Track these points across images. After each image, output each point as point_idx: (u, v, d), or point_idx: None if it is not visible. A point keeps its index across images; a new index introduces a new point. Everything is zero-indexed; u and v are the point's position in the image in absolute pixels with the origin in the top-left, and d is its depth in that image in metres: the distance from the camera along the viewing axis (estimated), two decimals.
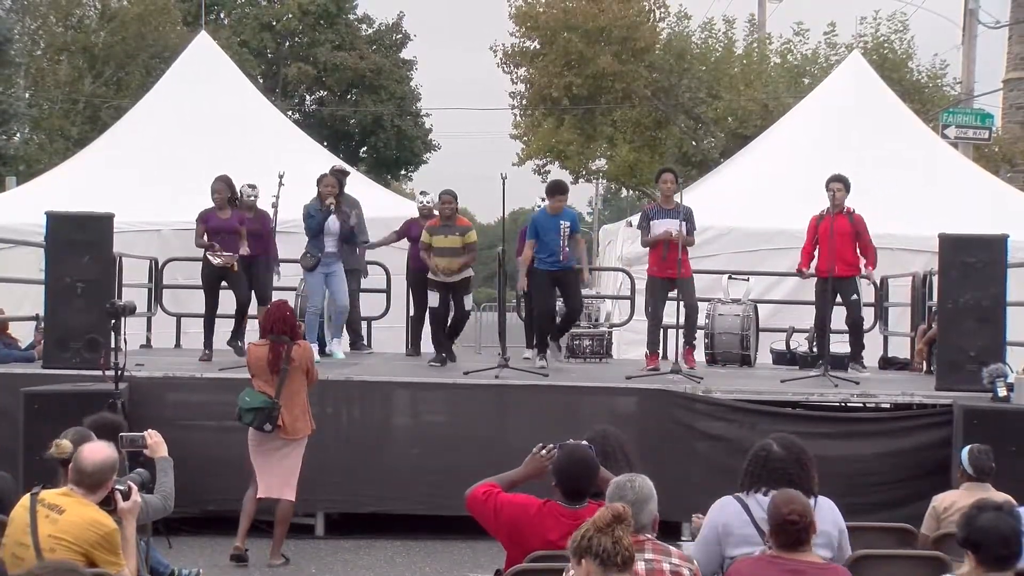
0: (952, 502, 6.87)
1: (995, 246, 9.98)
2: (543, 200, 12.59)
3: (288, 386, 8.61)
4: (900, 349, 13.67)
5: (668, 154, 30.47)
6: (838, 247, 10.88)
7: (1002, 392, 9.18)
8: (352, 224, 11.63)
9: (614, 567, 3.90)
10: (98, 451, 5.46)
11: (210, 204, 11.24)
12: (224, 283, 11.29)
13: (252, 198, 11.62)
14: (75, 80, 31.45)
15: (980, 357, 9.63)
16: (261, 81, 34.61)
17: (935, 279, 11.30)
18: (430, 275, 11.36)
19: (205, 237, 11.11)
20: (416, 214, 12.98)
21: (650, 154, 30.94)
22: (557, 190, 11.31)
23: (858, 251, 11.32)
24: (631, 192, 40.58)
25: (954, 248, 9.97)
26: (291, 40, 40.95)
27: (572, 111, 31.20)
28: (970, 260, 9.83)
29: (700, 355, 12.52)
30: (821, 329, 11.40)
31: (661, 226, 10.92)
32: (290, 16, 39.61)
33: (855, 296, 11.34)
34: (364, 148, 42.09)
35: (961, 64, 27.82)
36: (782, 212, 15.19)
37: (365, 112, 40.48)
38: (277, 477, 8.68)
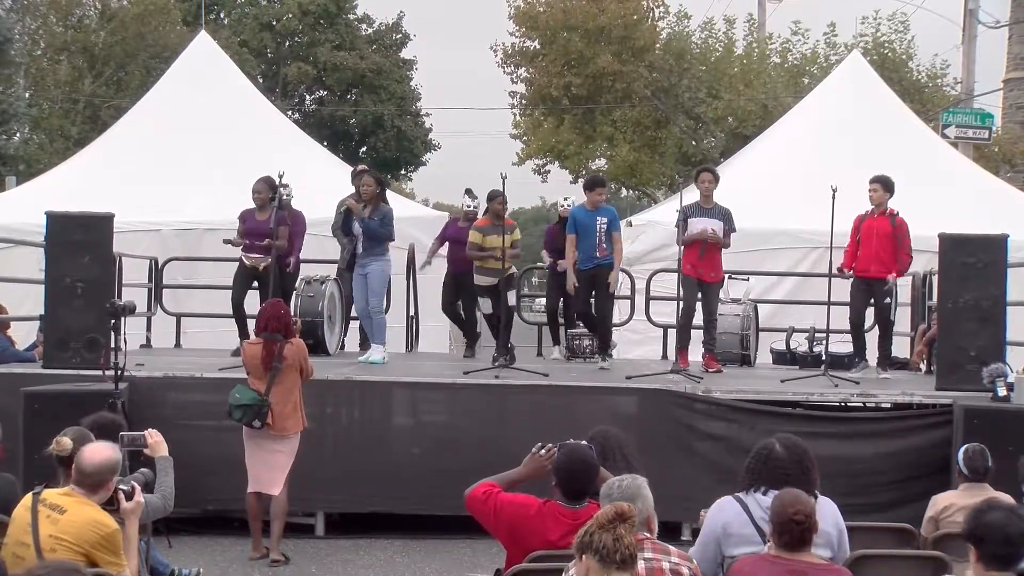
0: (951, 502, 6.87)
1: (995, 246, 9.98)
2: (565, 199, 12.59)
3: (280, 384, 8.64)
4: (900, 349, 13.66)
5: (668, 154, 30.50)
6: (875, 248, 10.85)
7: (1002, 392, 9.18)
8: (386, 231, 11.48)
9: (613, 565, 3.90)
10: (99, 451, 5.46)
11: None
12: (255, 283, 11.34)
13: (288, 197, 11.44)
14: (75, 80, 31.45)
15: (980, 357, 9.64)
16: (261, 81, 34.61)
17: (935, 279, 11.29)
18: (477, 280, 11.37)
19: (239, 236, 11.27)
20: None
21: (650, 154, 30.97)
22: (597, 183, 11.27)
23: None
24: (631, 192, 40.57)
25: (954, 248, 9.97)
26: (291, 40, 40.96)
27: (572, 111, 31.22)
28: (970, 260, 9.83)
29: (699, 355, 12.52)
30: (855, 328, 11.33)
31: (698, 224, 10.90)
32: (290, 16, 39.62)
33: (888, 299, 11.25)
34: (364, 148, 42.08)
35: (961, 64, 27.83)
36: (782, 212, 15.20)
37: (365, 112, 40.48)
38: (265, 473, 8.73)
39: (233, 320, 11.65)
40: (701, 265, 10.92)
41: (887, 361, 11.49)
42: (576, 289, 11.18)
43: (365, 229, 11.22)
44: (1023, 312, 10.95)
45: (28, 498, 5.33)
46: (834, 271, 11.09)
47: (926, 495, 7.39)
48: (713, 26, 32.29)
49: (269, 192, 11.19)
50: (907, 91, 26.71)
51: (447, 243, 12.29)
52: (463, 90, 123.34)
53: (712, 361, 11.12)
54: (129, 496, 5.51)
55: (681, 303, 10.99)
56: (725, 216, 10.98)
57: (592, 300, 11.25)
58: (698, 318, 11.19)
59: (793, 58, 30.86)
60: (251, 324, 11.07)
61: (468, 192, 12.37)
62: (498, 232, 11.29)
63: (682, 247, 10.98)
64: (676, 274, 11.10)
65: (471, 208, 12.21)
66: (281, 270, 11.20)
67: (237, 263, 11.45)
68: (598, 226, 10.92)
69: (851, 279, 11.25)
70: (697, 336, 11.33)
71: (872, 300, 11.24)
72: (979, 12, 26.83)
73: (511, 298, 11.60)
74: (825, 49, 30.60)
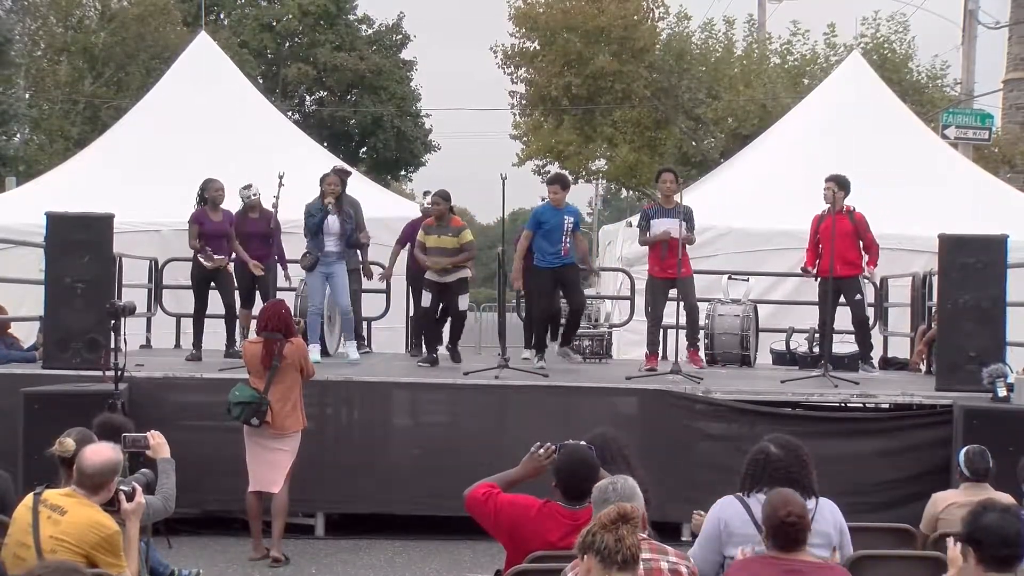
0: (951, 502, 6.87)
1: (995, 246, 9.98)
2: (543, 199, 12.60)
3: (279, 382, 8.67)
4: (900, 349, 13.67)
5: (668, 154, 30.47)
6: (838, 247, 10.87)
7: (1002, 392, 9.18)
8: (352, 227, 11.58)
9: (614, 565, 3.91)
10: (100, 452, 5.47)
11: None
12: (212, 284, 11.52)
13: (253, 197, 11.61)
14: (75, 81, 31.45)
15: (980, 357, 9.64)
16: (261, 82, 34.59)
17: (935, 279, 11.29)
18: (426, 275, 11.35)
19: (198, 240, 11.35)
20: (415, 215, 12.95)
21: (650, 154, 30.94)
22: (554, 180, 11.38)
23: (861, 249, 11.31)
24: (631, 192, 40.56)
25: (954, 248, 9.97)
26: (291, 41, 40.95)
27: (572, 111, 31.21)
28: (970, 260, 9.83)
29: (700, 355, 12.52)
30: (823, 329, 11.40)
31: (661, 225, 10.94)
32: (290, 17, 39.61)
33: (859, 296, 11.33)
34: (364, 149, 42.08)
35: (961, 64, 27.82)
36: (782, 212, 15.19)
37: (365, 113, 40.48)
38: (267, 471, 8.75)
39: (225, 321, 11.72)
40: (668, 264, 10.92)
41: (870, 356, 11.51)
42: (541, 289, 11.17)
43: (343, 231, 11.35)
44: (1023, 313, 10.95)
45: (29, 498, 5.34)
46: (799, 271, 11.22)
47: (926, 495, 7.38)
48: (713, 27, 32.30)
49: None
50: (907, 92, 26.70)
51: (408, 244, 12.50)
52: (463, 91, 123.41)
53: (695, 356, 11.11)
54: (130, 497, 5.51)
55: (648, 308, 11.17)
56: (687, 215, 10.98)
57: (555, 300, 11.31)
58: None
59: (793, 59, 30.85)
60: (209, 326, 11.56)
61: (426, 192, 12.49)
62: (440, 233, 11.26)
63: (648, 248, 11.08)
64: (675, 276, 11.13)
65: (425, 206, 12.34)
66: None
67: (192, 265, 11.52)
68: (564, 224, 10.95)
69: (815, 278, 11.38)
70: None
71: (843, 300, 11.27)
72: (979, 13, 26.83)
73: (463, 302, 11.53)
74: (825, 50, 30.61)
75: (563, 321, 11.61)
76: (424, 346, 11.54)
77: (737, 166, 18.86)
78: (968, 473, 6.95)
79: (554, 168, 34.27)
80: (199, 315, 11.59)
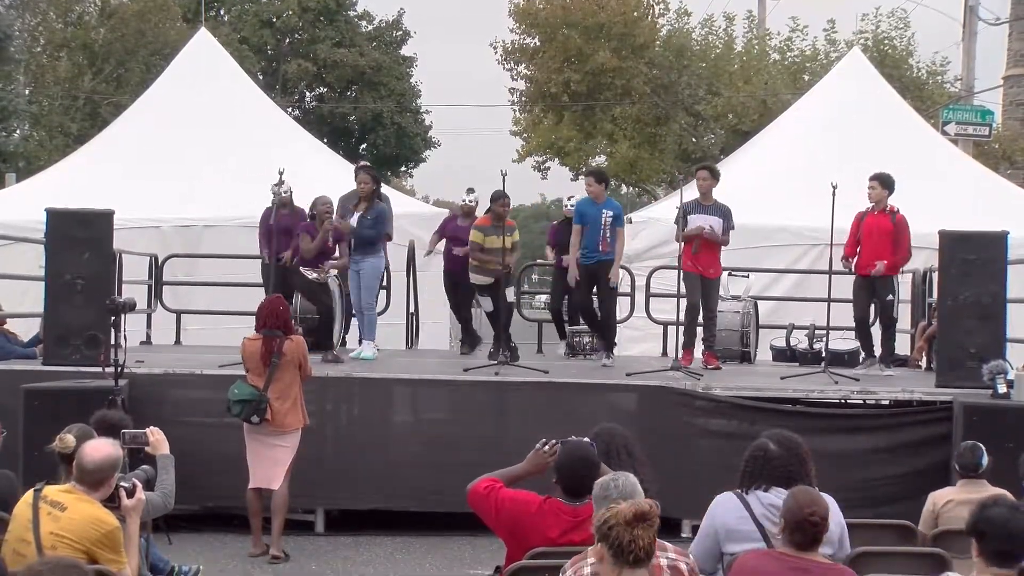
0: (949, 499, 6.87)
1: (995, 243, 9.98)
2: (569, 198, 12.61)
3: (278, 379, 8.65)
4: (900, 346, 13.65)
5: (668, 151, 30.48)
6: (876, 246, 10.86)
7: (1002, 389, 9.18)
8: (381, 228, 11.49)
9: (625, 563, 3.93)
10: (99, 449, 5.46)
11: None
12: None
13: (284, 195, 11.33)
14: (75, 77, 31.44)
15: (980, 354, 9.64)
16: (261, 78, 34.59)
17: (935, 276, 11.30)
18: (474, 279, 11.41)
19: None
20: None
21: (650, 151, 30.95)
22: (589, 172, 11.35)
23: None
24: (631, 189, 40.57)
25: (954, 245, 9.97)
26: (291, 37, 40.94)
27: (572, 108, 31.21)
28: (970, 257, 9.84)
29: (699, 352, 12.51)
30: (860, 326, 11.39)
31: (696, 221, 10.91)
32: (290, 13, 39.59)
33: (890, 296, 11.26)
34: (364, 145, 42.06)
35: (961, 61, 27.81)
36: (782, 209, 15.19)
37: (365, 109, 40.47)
38: (267, 468, 8.75)
39: (239, 316, 11.70)
40: (699, 261, 10.94)
41: (890, 358, 11.51)
42: (577, 283, 11.17)
43: (356, 235, 11.27)
44: (1023, 309, 10.95)
45: (29, 495, 5.34)
46: (836, 266, 11.10)
47: (926, 492, 7.38)
48: (713, 23, 32.31)
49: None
50: (907, 88, 26.71)
51: (444, 239, 12.29)
52: (463, 87, 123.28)
53: (711, 358, 11.13)
54: (130, 493, 5.51)
55: (685, 300, 11.01)
56: (724, 214, 11.00)
57: (594, 296, 11.25)
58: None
59: (792, 55, 30.84)
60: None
61: (469, 189, 12.38)
62: (499, 233, 11.28)
63: (682, 244, 10.99)
64: (676, 271, 11.12)
65: (470, 203, 12.19)
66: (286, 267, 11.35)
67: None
68: (603, 219, 10.90)
69: (852, 272, 11.27)
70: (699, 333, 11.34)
71: (875, 297, 11.26)
72: (979, 9, 26.82)
73: (509, 295, 11.62)
74: (825, 46, 30.60)
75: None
76: (500, 345, 11.18)
77: (737, 162, 18.83)
78: (958, 469, 6.96)
79: (554, 164, 34.29)
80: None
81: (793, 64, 30.51)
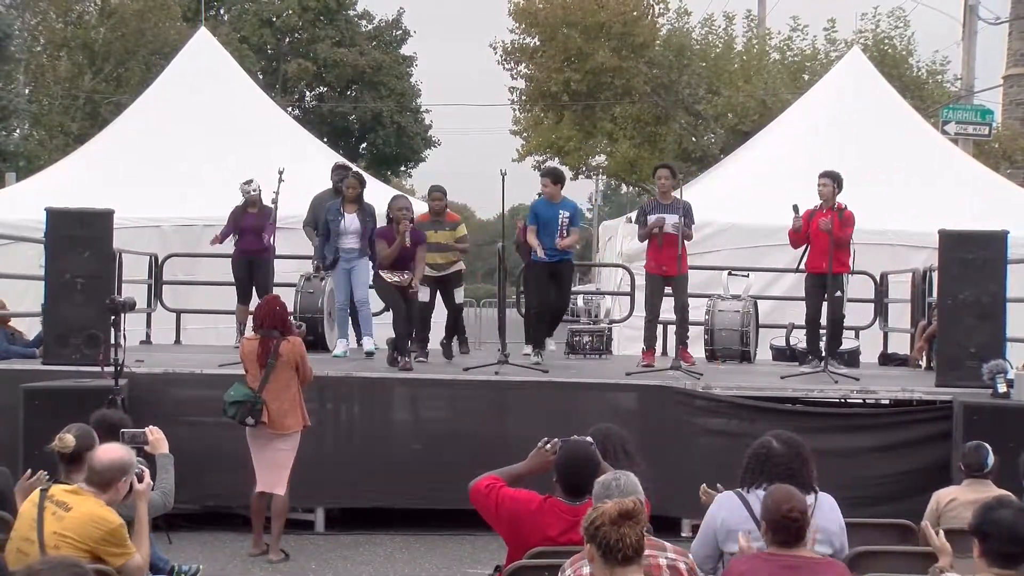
0: (953, 498, 6.87)
1: (995, 242, 9.98)
2: (539, 194, 12.59)
3: (275, 381, 8.60)
4: (900, 345, 13.67)
5: (668, 150, 30.48)
6: (826, 244, 10.85)
7: (1002, 388, 9.18)
8: (372, 224, 11.56)
9: (615, 562, 3.92)
10: (111, 451, 5.52)
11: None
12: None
13: (252, 193, 11.87)
14: (75, 76, 31.44)
15: (980, 353, 9.64)
16: (261, 77, 34.59)
17: (935, 275, 11.30)
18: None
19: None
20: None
21: (650, 150, 30.94)
22: (545, 173, 11.41)
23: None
24: (631, 188, 40.59)
25: (954, 244, 9.96)
26: (291, 36, 40.95)
27: (572, 107, 31.21)
28: (970, 256, 9.83)
29: (700, 351, 12.51)
30: (811, 324, 11.40)
31: (653, 219, 10.91)
32: (290, 12, 39.59)
33: (839, 293, 11.25)
34: (364, 144, 42.09)
35: (961, 60, 27.80)
36: (782, 208, 15.08)
37: (365, 108, 40.47)
38: (269, 472, 8.73)
39: (234, 315, 11.73)
40: (663, 259, 10.89)
41: (839, 356, 11.45)
42: (536, 284, 11.21)
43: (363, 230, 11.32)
44: (1023, 308, 10.95)
45: (36, 494, 5.36)
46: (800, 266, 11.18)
47: (925, 491, 7.38)
48: (713, 22, 32.33)
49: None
50: (907, 87, 26.70)
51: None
52: (463, 87, 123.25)
53: (686, 354, 11.07)
54: (139, 478, 5.56)
55: (645, 304, 11.14)
56: (685, 210, 10.92)
57: (548, 295, 11.25)
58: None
59: (792, 55, 30.84)
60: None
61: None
62: (436, 228, 11.30)
63: (646, 243, 11.04)
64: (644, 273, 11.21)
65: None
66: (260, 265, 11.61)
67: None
68: (560, 220, 10.93)
69: (798, 271, 11.43)
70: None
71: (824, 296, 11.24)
72: (979, 8, 26.81)
73: (458, 295, 11.63)
74: (825, 45, 30.61)
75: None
76: (417, 341, 11.35)
77: (737, 162, 18.85)
78: (963, 468, 6.96)
79: (554, 164, 34.27)
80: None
81: (793, 63, 30.51)
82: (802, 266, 11.37)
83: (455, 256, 11.60)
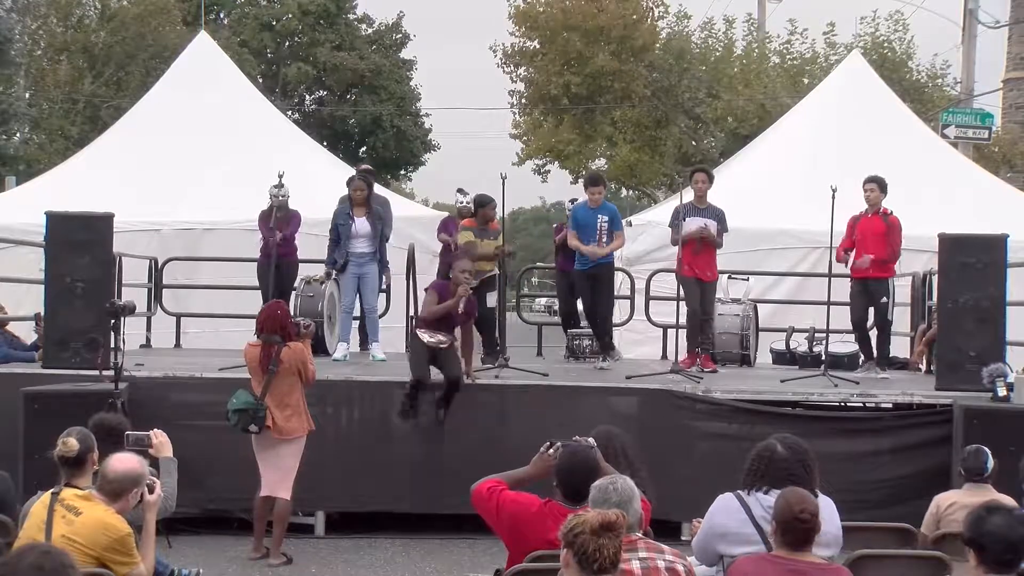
0: (953, 502, 6.87)
1: (995, 246, 9.98)
2: (571, 201, 12.61)
3: (277, 386, 8.59)
4: (900, 349, 13.66)
5: (668, 154, 30.50)
6: (871, 248, 10.87)
7: (1002, 392, 9.18)
8: (382, 226, 11.65)
9: (590, 571, 3.92)
10: (124, 462, 5.54)
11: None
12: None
13: (282, 198, 11.42)
14: (75, 80, 31.43)
15: (980, 357, 9.64)
16: (261, 81, 34.57)
17: (935, 279, 11.30)
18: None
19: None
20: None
21: (650, 154, 30.97)
22: (591, 181, 11.32)
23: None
24: (631, 192, 40.58)
25: (954, 248, 9.97)
26: (291, 40, 40.92)
27: (571, 111, 31.23)
28: (970, 260, 9.84)
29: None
30: (858, 329, 11.39)
31: (693, 223, 10.90)
32: (290, 16, 39.58)
33: (884, 299, 11.23)
34: (363, 148, 42.03)
35: (961, 64, 27.82)
36: (782, 212, 15.20)
37: (364, 112, 40.46)
38: (273, 476, 8.72)
39: (239, 319, 11.71)
40: (697, 264, 10.92)
41: (886, 361, 11.50)
42: (579, 289, 11.22)
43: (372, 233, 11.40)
44: (1023, 312, 10.95)
45: (47, 497, 5.39)
46: (836, 268, 11.11)
47: (925, 495, 7.39)
48: (713, 26, 32.37)
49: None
50: (907, 91, 26.70)
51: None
52: (463, 90, 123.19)
53: (708, 361, 11.09)
54: (150, 489, 5.58)
55: (686, 306, 11.01)
56: (719, 216, 10.98)
57: (589, 301, 11.25)
58: None
59: (792, 58, 30.87)
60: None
61: (461, 190, 12.37)
62: (483, 237, 11.28)
63: (680, 247, 11.00)
64: (675, 275, 11.12)
65: (463, 205, 12.08)
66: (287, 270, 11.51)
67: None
68: (599, 224, 10.90)
69: (849, 279, 11.27)
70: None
71: (871, 301, 11.26)
72: (979, 12, 26.82)
73: (491, 300, 11.56)
74: (824, 49, 30.63)
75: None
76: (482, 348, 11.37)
77: (736, 165, 18.84)
78: (963, 473, 6.96)
79: (554, 167, 34.30)
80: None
81: (793, 67, 30.53)
82: (848, 268, 11.28)
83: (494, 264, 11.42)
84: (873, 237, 10.98)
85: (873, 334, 11.62)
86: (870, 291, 11.16)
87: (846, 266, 11.27)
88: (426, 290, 10.08)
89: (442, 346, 9.52)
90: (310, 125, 36.23)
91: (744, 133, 26.71)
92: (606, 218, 10.95)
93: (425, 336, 9.54)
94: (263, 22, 39.54)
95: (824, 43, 30.70)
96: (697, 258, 10.92)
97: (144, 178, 15.74)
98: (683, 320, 11.11)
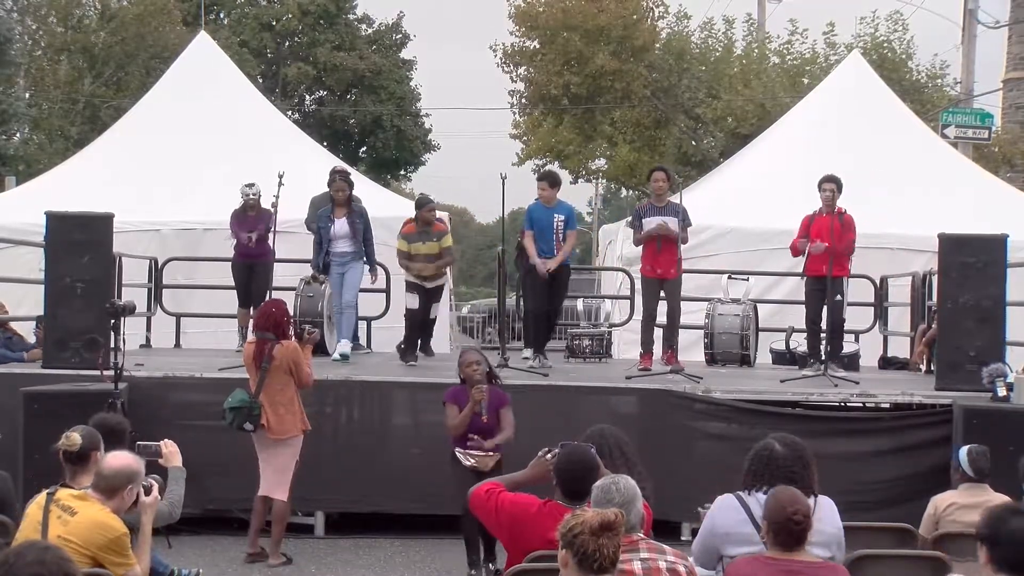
0: (951, 502, 6.88)
1: (995, 246, 9.99)
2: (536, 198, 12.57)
3: (270, 385, 8.59)
4: (900, 349, 13.67)
5: (668, 154, 30.49)
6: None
7: (1002, 392, 9.19)
8: (362, 224, 11.75)
9: (590, 571, 3.92)
10: (120, 458, 5.53)
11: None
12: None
13: (252, 197, 11.89)
14: (75, 80, 31.43)
15: (980, 357, 9.64)
16: (261, 81, 34.58)
17: (935, 279, 11.30)
18: (411, 277, 11.42)
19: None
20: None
21: (650, 154, 30.95)
22: (541, 177, 11.42)
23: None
24: (631, 192, 40.57)
25: (954, 248, 9.97)
26: (291, 40, 40.93)
27: (571, 111, 31.23)
28: (970, 260, 9.84)
29: (699, 355, 12.51)
30: (812, 327, 11.39)
31: (653, 223, 10.90)
32: (290, 16, 39.58)
33: (839, 297, 11.22)
34: (363, 148, 42.06)
35: (961, 64, 27.82)
36: (782, 212, 15.13)
37: (365, 112, 40.46)
38: (270, 476, 8.73)
39: (234, 319, 11.76)
40: (659, 263, 10.89)
41: (838, 359, 11.44)
42: (533, 288, 11.16)
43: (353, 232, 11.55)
44: (1023, 312, 10.95)
45: (43, 497, 5.38)
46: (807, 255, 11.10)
47: (925, 495, 7.39)
48: (712, 26, 32.36)
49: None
50: (907, 91, 26.70)
51: None
52: (462, 90, 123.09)
53: (672, 358, 11.05)
54: (147, 491, 5.57)
55: (642, 307, 11.12)
56: (679, 212, 10.92)
57: (544, 300, 11.23)
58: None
59: (792, 58, 30.87)
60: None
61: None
62: (424, 239, 11.32)
63: (641, 247, 11.02)
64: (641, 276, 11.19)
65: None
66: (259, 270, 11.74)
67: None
68: (555, 223, 10.93)
69: (802, 277, 11.33)
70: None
71: (825, 299, 11.21)
72: (979, 12, 26.82)
73: (434, 310, 11.66)
74: (824, 49, 30.63)
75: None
76: (406, 345, 11.53)
77: (737, 165, 18.86)
78: (972, 473, 6.95)
79: (554, 168, 34.26)
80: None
81: (792, 67, 30.53)
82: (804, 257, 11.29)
83: (440, 266, 11.55)
84: (828, 236, 10.93)
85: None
86: (825, 289, 11.09)
87: (802, 256, 11.15)
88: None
89: (486, 468, 8.00)
90: (310, 125, 36.24)
91: (744, 133, 26.71)
92: (563, 217, 11.00)
93: (465, 460, 8.37)
94: (263, 22, 39.54)
95: (824, 43, 30.72)
96: (659, 257, 10.90)
97: (144, 178, 15.75)
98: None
